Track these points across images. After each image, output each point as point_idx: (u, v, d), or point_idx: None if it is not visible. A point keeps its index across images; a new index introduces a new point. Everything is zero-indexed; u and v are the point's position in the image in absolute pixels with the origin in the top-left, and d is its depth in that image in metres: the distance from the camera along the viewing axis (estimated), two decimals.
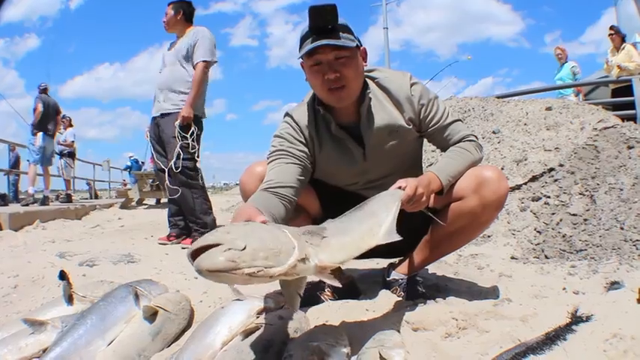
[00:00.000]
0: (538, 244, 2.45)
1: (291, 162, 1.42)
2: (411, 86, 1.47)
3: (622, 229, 2.24)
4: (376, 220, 1.12)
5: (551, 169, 3.03)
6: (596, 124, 3.36)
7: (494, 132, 3.76)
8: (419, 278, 1.63)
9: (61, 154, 8.50)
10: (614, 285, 1.59)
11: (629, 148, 2.86)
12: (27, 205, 6.17)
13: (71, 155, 8.87)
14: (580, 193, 2.67)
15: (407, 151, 1.55)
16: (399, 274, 1.61)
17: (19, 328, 1.27)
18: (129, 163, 13.74)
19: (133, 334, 1.25)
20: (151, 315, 1.30)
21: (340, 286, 1.09)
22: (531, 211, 2.77)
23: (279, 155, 1.43)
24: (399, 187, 1.26)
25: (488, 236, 2.69)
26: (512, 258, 2.35)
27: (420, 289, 1.58)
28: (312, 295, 1.56)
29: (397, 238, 1.08)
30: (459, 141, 1.49)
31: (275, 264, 0.85)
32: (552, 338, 1.08)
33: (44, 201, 6.60)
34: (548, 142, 3.35)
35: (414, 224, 1.40)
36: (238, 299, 1.34)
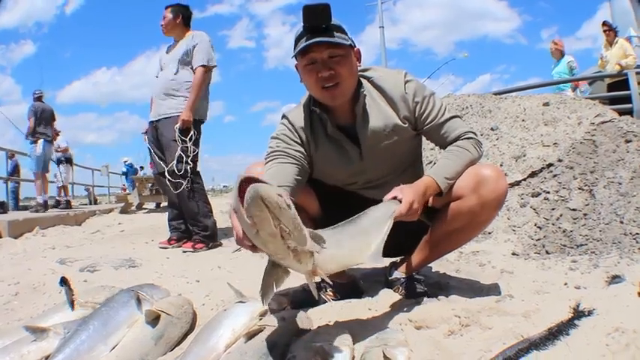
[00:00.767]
0: (539, 239, 2.45)
1: (288, 162, 1.42)
2: (405, 84, 1.47)
3: (622, 222, 2.24)
4: (367, 239, 1.16)
5: (550, 165, 3.03)
6: (593, 119, 3.36)
7: (492, 129, 3.76)
8: (420, 276, 1.63)
9: (59, 161, 8.50)
10: (615, 279, 1.59)
11: (627, 142, 2.86)
12: (37, 211, 6.30)
13: (69, 161, 8.88)
14: (579, 188, 2.68)
15: (404, 150, 1.55)
16: (400, 273, 1.61)
17: (20, 335, 1.27)
18: (124, 169, 13.74)
19: (135, 339, 1.25)
20: (154, 319, 1.30)
21: (317, 298, 1.14)
22: (531, 207, 2.77)
23: (276, 156, 1.44)
24: (395, 197, 1.28)
25: (489, 233, 2.70)
26: (513, 254, 2.35)
27: (422, 288, 1.58)
28: (313, 296, 1.56)
29: (381, 262, 1.15)
30: (457, 138, 1.48)
31: (299, 240, 0.92)
32: (555, 333, 1.08)
33: (44, 206, 6.65)
34: (547, 138, 3.35)
35: (415, 224, 1.40)
36: (241, 301, 1.34)
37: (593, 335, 1.07)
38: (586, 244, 2.22)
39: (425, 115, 1.48)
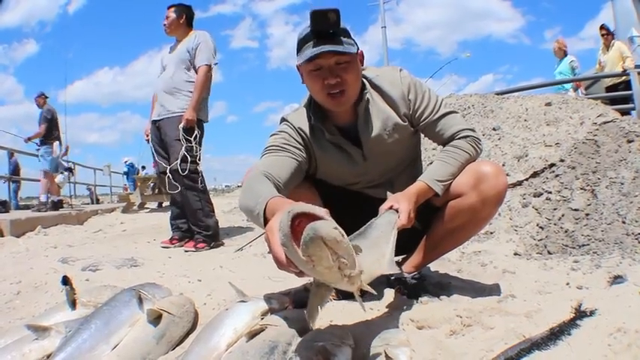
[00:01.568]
0: (541, 239, 2.45)
1: (286, 156, 1.41)
2: (402, 81, 1.47)
3: (624, 223, 2.23)
4: (380, 251, 1.15)
5: (552, 165, 3.02)
6: (595, 119, 3.35)
7: (494, 129, 3.76)
8: (422, 276, 1.63)
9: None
10: (617, 279, 1.59)
11: (629, 142, 2.86)
12: (39, 210, 6.40)
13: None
14: (581, 188, 2.67)
15: (405, 148, 1.55)
16: (402, 272, 1.61)
17: (22, 334, 1.27)
18: (125, 169, 13.75)
19: (137, 338, 1.25)
20: (155, 318, 1.30)
21: (375, 293, 1.11)
22: (533, 207, 2.77)
23: (274, 149, 1.43)
24: (391, 207, 1.29)
25: (491, 233, 2.69)
26: (515, 254, 2.35)
27: (424, 288, 1.58)
28: None
29: (397, 269, 1.14)
30: (452, 136, 1.48)
31: (352, 266, 0.88)
32: (557, 333, 1.08)
33: (57, 205, 6.75)
34: (549, 138, 3.34)
35: (415, 224, 1.40)
36: (242, 301, 1.34)
37: (595, 335, 1.07)
38: (588, 245, 2.21)
39: (420, 111, 1.48)
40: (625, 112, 4.96)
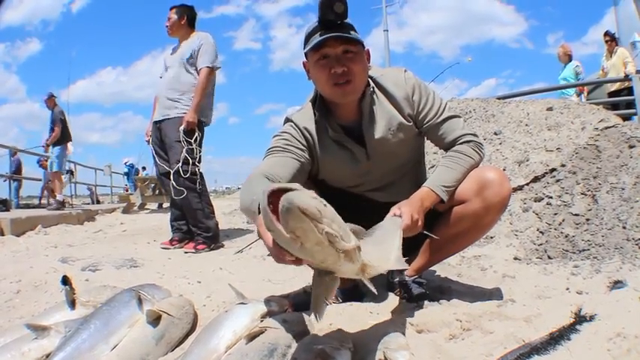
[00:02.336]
0: (541, 244, 2.45)
1: (289, 157, 1.40)
2: (406, 82, 1.47)
3: (624, 228, 2.23)
4: (387, 246, 1.13)
5: (553, 170, 3.02)
6: (597, 124, 3.35)
7: (495, 133, 3.76)
8: (422, 280, 1.62)
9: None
10: (617, 284, 1.58)
11: (631, 147, 2.85)
12: (56, 209, 6.47)
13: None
14: (582, 193, 2.67)
15: (409, 149, 1.54)
16: (402, 276, 1.60)
17: (21, 333, 1.28)
18: (126, 170, 13.77)
19: (136, 339, 1.25)
20: (155, 319, 1.30)
21: (376, 293, 1.08)
22: (534, 212, 2.76)
23: (277, 150, 1.42)
24: (394, 215, 1.27)
25: (491, 237, 2.69)
26: (515, 259, 2.34)
27: (424, 291, 1.57)
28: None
29: (405, 265, 1.12)
30: (455, 141, 1.47)
31: (345, 238, 0.81)
32: (556, 338, 1.08)
33: (61, 205, 6.80)
34: (550, 143, 3.34)
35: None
36: (242, 303, 1.34)
37: (594, 340, 1.07)
38: (588, 250, 2.21)
39: (423, 113, 1.47)
40: (627, 118, 4.97)
